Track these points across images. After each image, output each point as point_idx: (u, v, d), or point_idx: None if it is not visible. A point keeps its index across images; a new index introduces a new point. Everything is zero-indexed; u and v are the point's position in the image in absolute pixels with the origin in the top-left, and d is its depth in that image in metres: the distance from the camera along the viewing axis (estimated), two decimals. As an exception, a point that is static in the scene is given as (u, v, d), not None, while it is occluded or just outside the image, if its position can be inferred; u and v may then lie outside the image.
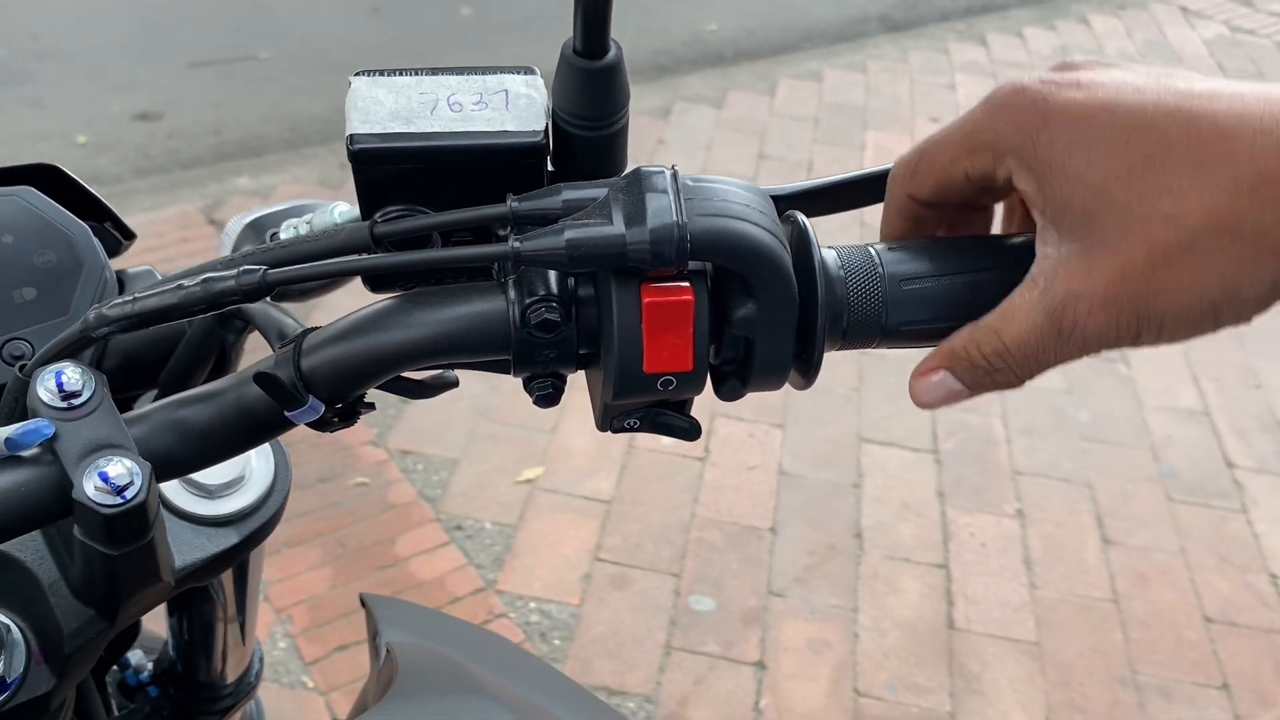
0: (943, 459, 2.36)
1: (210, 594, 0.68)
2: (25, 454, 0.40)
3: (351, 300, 0.44)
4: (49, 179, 0.57)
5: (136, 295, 0.40)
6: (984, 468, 2.34)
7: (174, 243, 2.76)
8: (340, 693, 1.78)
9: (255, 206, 0.69)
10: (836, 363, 2.56)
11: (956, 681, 1.89)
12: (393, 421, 2.30)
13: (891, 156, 0.51)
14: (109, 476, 0.39)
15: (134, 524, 0.40)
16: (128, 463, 0.39)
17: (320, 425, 0.43)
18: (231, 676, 0.76)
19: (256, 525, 0.55)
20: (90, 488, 0.39)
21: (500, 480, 2.20)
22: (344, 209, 0.53)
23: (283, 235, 0.57)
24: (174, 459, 0.42)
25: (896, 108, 3.81)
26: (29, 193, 0.55)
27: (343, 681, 1.79)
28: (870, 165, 0.55)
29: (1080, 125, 0.38)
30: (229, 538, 0.54)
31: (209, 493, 0.54)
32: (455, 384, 0.47)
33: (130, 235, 0.60)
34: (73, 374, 0.41)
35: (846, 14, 4.56)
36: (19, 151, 3.02)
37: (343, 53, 3.79)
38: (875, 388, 2.52)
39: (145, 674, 0.76)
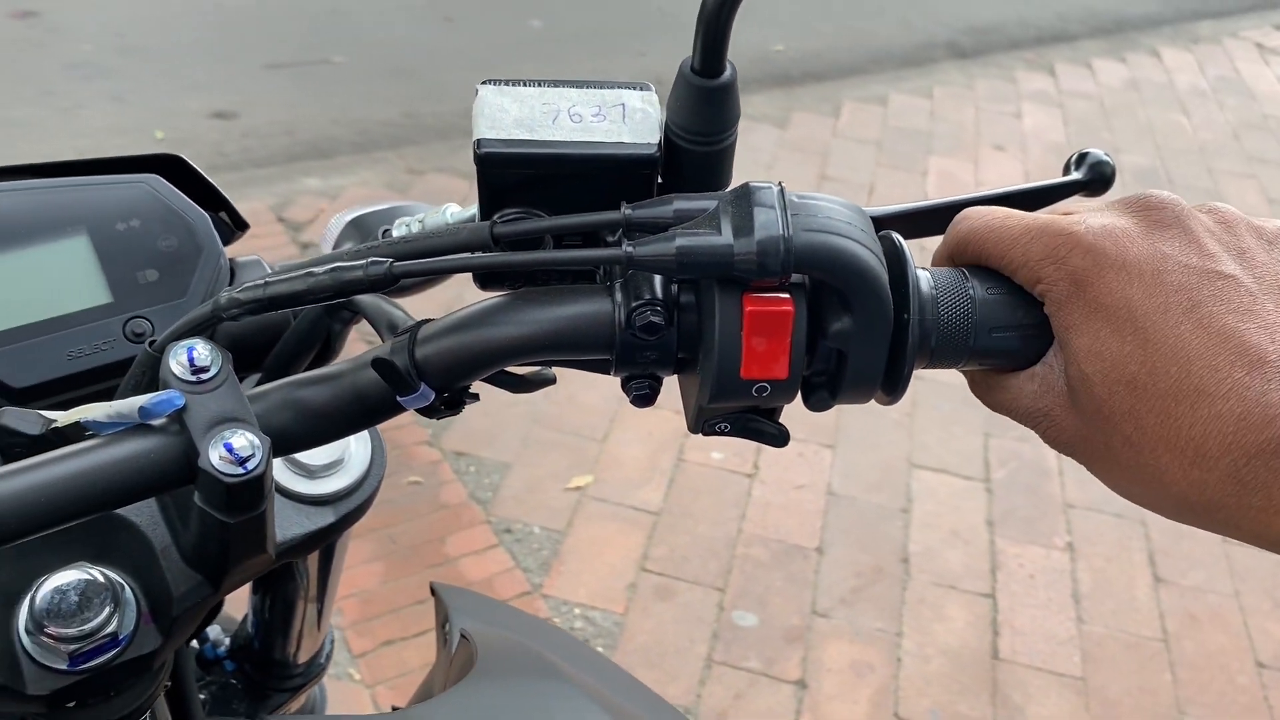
0: (994, 488, 2.34)
1: (295, 575, 0.71)
2: (155, 423, 0.43)
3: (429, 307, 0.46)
4: (173, 168, 0.60)
5: (267, 279, 0.43)
6: (1035, 499, 2.33)
7: (243, 239, 2.83)
8: (386, 686, 1.81)
9: (356, 205, 0.72)
10: (890, 386, 2.56)
11: (999, 712, 1.87)
12: (447, 423, 2.34)
13: (955, 183, 0.52)
14: (233, 448, 0.41)
15: (251, 494, 0.43)
16: (250, 436, 0.42)
17: (428, 412, 0.46)
18: (303, 658, 0.79)
19: (352, 506, 0.57)
20: (215, 457, 0.41)
21: (550, 486, 2.22)
22: (455, 210, 0.56)
23: (395, 233, 0.60)
24: (290, 436, 0.44)
25: (961, 134, 3.80)
26: (156, 180, 0.58)
27: (389, 675, 1.82)
28: (933, 191, 0.56)
29: (1100, 315, 0.42)
30: (326, 516, 0.56)
31: (310, 472, 0.57)
32: (553, 381, 0.49)
33: (243, 225, 0.63)
34: (203, 350, 0.43)
35: (914, 39, 4.55)
36: (101, 144, 3.12)
37: (414, 60, 3.86)
38: (928, 412, 2.52)
39: (223, 649, 0.79)
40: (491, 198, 0.45)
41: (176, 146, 3.25)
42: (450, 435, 2.30)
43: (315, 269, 0.43)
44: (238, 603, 0.79)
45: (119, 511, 0.50)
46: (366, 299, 0.52)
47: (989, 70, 4.33)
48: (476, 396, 0.47)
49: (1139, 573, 2.18)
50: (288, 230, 2.87)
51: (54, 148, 3.12)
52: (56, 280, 0.55)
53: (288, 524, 0.55)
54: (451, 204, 0.56)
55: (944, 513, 2.27)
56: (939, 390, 2.57)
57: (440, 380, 0.44)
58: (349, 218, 0.71)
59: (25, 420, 0.45)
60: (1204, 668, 2.00)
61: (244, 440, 0.42)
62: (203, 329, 0.45)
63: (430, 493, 2.17)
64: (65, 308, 0.55)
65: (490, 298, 0.46)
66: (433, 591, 0.76)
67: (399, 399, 0.45)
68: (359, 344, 0.53)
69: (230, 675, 0.78)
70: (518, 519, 2.14)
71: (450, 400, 0.46)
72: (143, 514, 0.50)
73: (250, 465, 0.42)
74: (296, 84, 3.64)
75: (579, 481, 2.24)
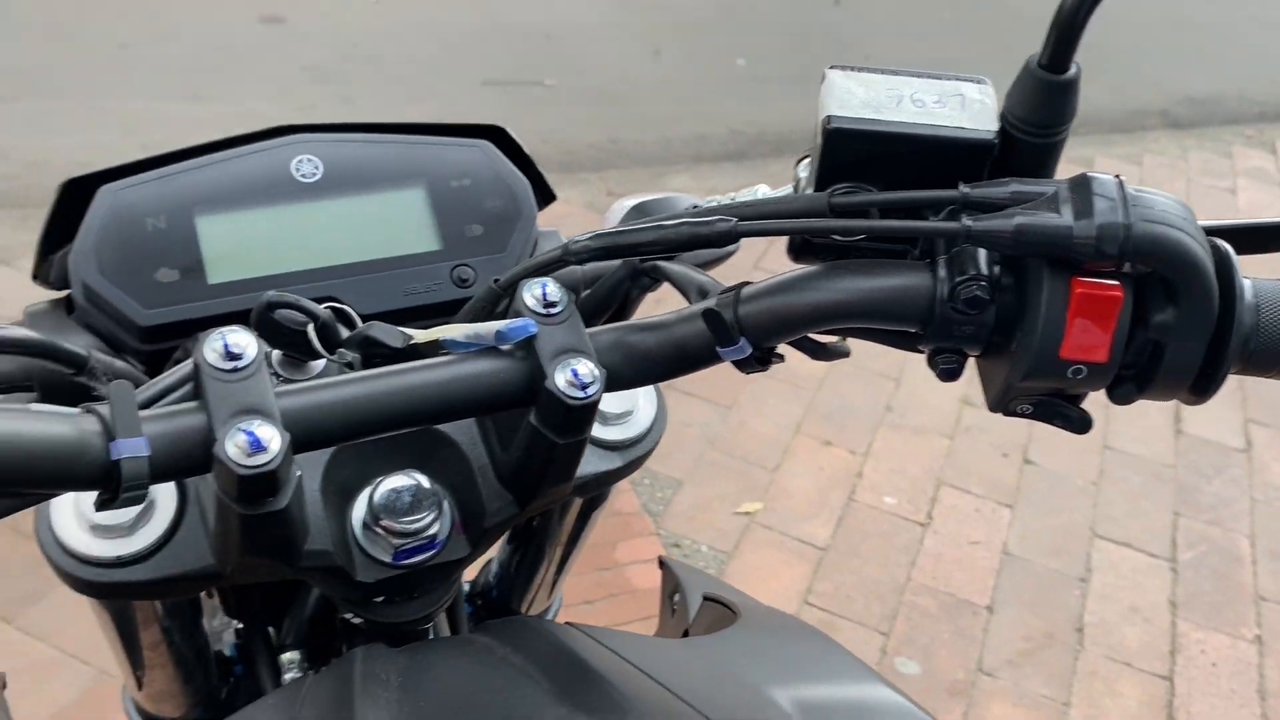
0: (1180, 568, 2.24)
1: (550, 530, 0.75)
2: (504, 347, 0.48)
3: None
4: (499, 138, 0.66)
5: (619, 229, 0.48)
6: (1224, 585, 2.21)
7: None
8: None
9: (637, 193, 0.77)
10: (1077, 450, 2.48)
11: (1170, 800, 1.79)
12: (627, 435, 2.39)
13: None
14: (578, 373, 0.46)
15: (584, 419, 0.47)
16: (591, 365, 0.47)
17: (742, 365, 0.50)
18: (533, 613, 0.84)
19: (636, 455, 0.61)
20: (561, 381, 0.46)
21: (720, 508, 2.25)
22: (765, 189, 0.60)
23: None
24: (618, 374, 0.49)
25: (1168, 205, 3.67)
26: (487, 146, 0.65)
27: (552, 668, 1.87)
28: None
29: None
30: (614, 461, 0.61)
31: (604, 418, 0.61)
32: (848, 354, 0.52)
33: (552, 197, 0.69)
34: (554, 288, 0.48)
35: (1127, 105, 4.42)
36: (330, 142, 3.34)
37: (622, 88, 3.99)
38: (1115, 483, 2.43)
39: (463, 592, 0.85)
40: (829, 172, 0.49)
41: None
42: (628, 447, 2.36)
43: (666, 222, 0.48)
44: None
45: (443, 429, 0.55)
46: (674, 268, 0.56)
47: (1204, 143, 4.16)
48: (782, 358, 0.51)
49: (1335, 678, 2.05)
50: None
51: (287, 142, 3.36)
52: (396, 225, 0.62)
53: (582, 462, 0.59)
54: (761, 184, 0.60)
55: (1125, 587, 2.18)
56: (1128, 462, 2.49)
57: (758, 336, 0.48)
58: (631, 203, 0.76)
59: (390, 334, 0.51)
60: (1404, 789, 1.85)
61: (586, 369, 0.47)
62: (549, 269, 0.50)
63: (605, 499, 2.22)
64: (402, 250, 0.62)
65: (807, 267, 0.50)
66: (661, 564, 0.80)
67: (719, 350, 0.49)
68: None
69: (467, 618, 0.84)
70: (687, 535, 2.17)
71: (759, 357, 0.50)
72: (463, 434, 0.56)
73: (590, 391, 0.46)
74: (509, 102, 3.81)
75: (748, 507, 2.26)
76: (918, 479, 2.39)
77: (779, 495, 2.30)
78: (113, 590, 0.51)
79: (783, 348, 0.50)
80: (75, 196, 0.58)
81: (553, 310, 0.48)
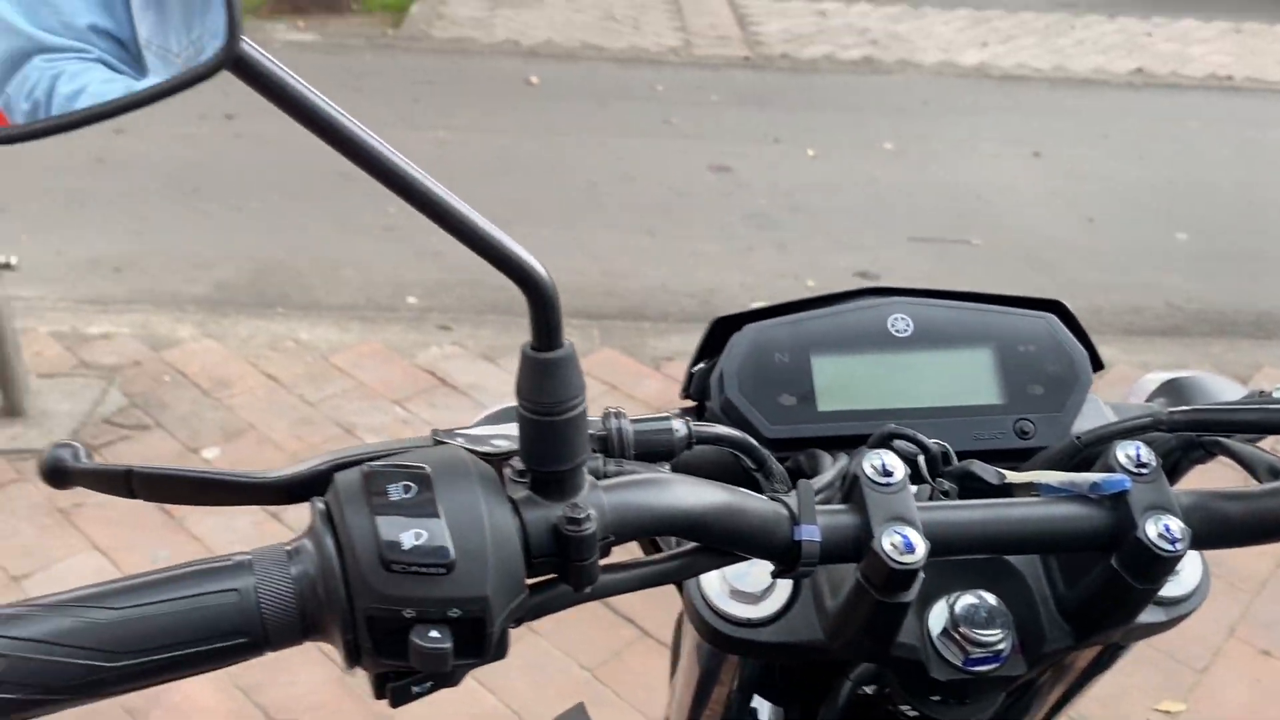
0: None
1: (1058, 673, 0.80)
2: (1093, 496, 0.56)
3: None
4: (1061, 311, 0.75)
5: (1220, 405, 0.55)
6: None
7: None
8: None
9: (1169, 370, 0.83)
10: None
11: None
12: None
13: None
14: (1170, 529, 0.53)
15: (1165, 570, 0.54)
16: (1180, 524, 0.53)
17: None
18: None
19: (1180, 613, 0.66)
20: (1153, 533, 0.53)
21: (1138, 700, 2.12)
22: None
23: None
24: (1199, 534, 0.55)
25: None
26: (1051, 318, 0.74)
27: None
28: None
29: None
30: (1158, 615, 0.66)
31: None
32: None
33: (1101, 366, 0.76)
34: (1146, 450, 0.56)
35: None
36: (765, 284, 3.60)
37: (1050, 253, 3.97)
38: None
39: None
40: None
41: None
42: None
43: (1269, 406, 0.54)
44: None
45: (1012, 560, 0.64)
46: (1240, 445, 0.62)
47: None
48: None
49: None
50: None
51: (724, 279, 3.67)
52: (968, 378, 0.72)
53: None
54: None
55: None
56: None
57: None
58: (1163, 378, 0.82)
59: (987, 471, 0.60)
60: None
61: (1177, 525, 0.53)
62: (1139, 433, 0.58)
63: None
64: (972, 400, 0.72)
65: None
66: None
67: None
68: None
69: None
70: (1099, 721, 2.07)
71: None
72: (1027, 566, 0.63)
73: (1178, 546, 0.53)
74: (934, 258, 3.91)
75: (1170, 706, 2.11)
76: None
77: (1205, 699, 2.13)
78: (740, 646, 0.63)
79: None
80: (719, 330, 0.74)
81: (1143, 470, 0.55)
